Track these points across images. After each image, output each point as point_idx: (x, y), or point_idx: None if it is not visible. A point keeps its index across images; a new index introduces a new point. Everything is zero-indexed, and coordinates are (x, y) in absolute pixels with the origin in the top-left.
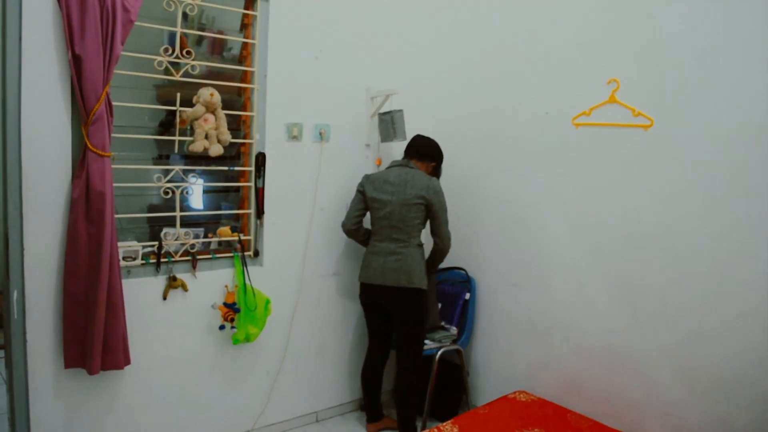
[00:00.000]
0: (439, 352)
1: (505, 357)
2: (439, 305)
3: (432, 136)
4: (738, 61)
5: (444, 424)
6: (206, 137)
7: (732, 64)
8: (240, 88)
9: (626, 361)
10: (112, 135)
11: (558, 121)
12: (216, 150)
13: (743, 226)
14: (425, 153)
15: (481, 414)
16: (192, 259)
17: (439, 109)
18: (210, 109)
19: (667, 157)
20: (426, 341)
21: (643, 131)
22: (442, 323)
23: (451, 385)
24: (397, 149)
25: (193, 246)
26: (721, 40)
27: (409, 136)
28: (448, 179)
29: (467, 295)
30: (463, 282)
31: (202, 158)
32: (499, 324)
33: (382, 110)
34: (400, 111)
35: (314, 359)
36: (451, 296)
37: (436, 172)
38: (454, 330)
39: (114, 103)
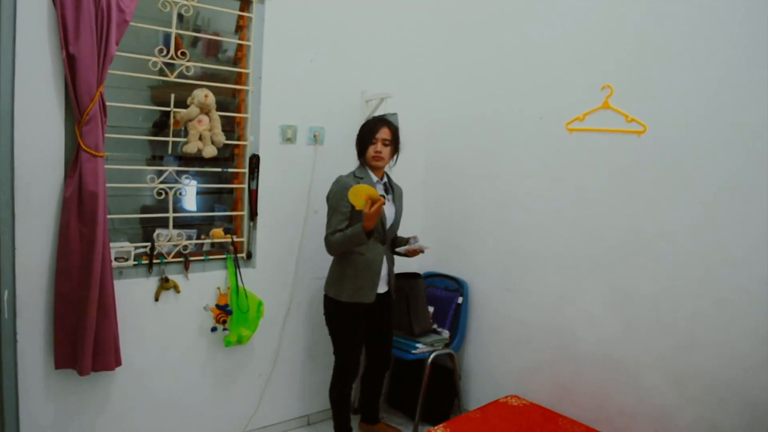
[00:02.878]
0: (432, 356)
1: (497, 361)
2: (432, 309)
3: (425, 141)
4: (731, 67)
5: (436, 428)
6: (200, 138)
7: (725, 71)
8: (234, 89)
9: (618, 367)
10: (106, 135)
11: (552, 126)
12: (210, 151)
13: (737, 233)
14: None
15: (473, 418)
16: (184, 260)
17: (434, 113)
18: (204, 110)
19: (660, 164)
20: (418, 345)
21: (636, 137)
22: (435, 327)
23: (443, 389)
24: None
25: (185, 247)
26: (715, 47)
27: (404, 140)
28: (442, 184)
29: (460, 299)
30: (457, 286)
31: (196, 159)
32: (491, 328)
33: (377, 113)
34: (395, 114)
35: (306, 362)
36: (444, 300)
37: (360, 158)
38: (446, 334)
39: (108, 104)
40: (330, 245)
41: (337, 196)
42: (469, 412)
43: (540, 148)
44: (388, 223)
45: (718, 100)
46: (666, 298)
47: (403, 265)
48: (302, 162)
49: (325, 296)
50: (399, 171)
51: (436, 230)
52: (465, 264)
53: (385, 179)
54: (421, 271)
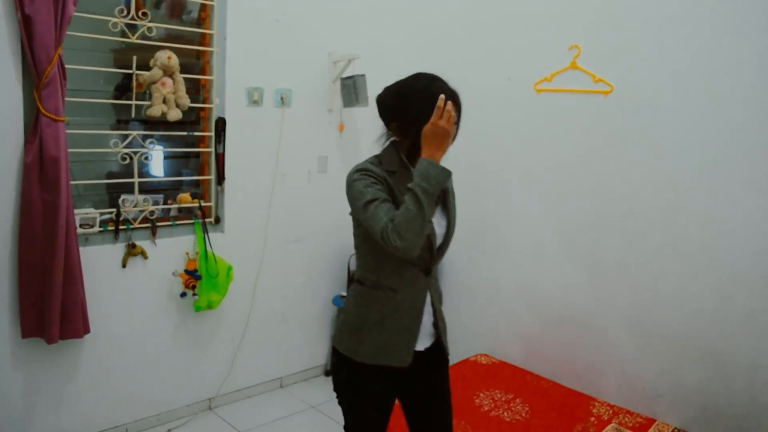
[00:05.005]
0: None
1: (467, 322)
2: None
3: None
4: (697, 28)
5: None
6: (164, 102)
7: (691, 32)
8: (199, 51)
9: (585, 324)
10: (67, 99)
11: (520, 87)
12: (174, 115)
13: (701, 191)
14: (382, 114)
15: None
16: (152, 226)
17: (401, 76)
18: (168, 72)
19: (627, 123)
20: None
21: (603, 97)
22: None
23: None
24: (360, 115)
25: (152, 213)
26: (681, 8)
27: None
28: None
29: None
30: None
31: (161, 123)
32: (462, 290)
33: (345, 75)
34: (363, 76)
35: (278, 325)
36: None
37: (406, 136)
38: None
39: (67, 66)
40: (396, 224)
41: (361, 180)
42: None
43: (509, 110)
44: (438, 240)
45: (685, 61)
46: (632, 256)
47: None
48: (270, 125)
49: (333, 350)
50: (366, 134)
51: None
52: None
53: None
54: None
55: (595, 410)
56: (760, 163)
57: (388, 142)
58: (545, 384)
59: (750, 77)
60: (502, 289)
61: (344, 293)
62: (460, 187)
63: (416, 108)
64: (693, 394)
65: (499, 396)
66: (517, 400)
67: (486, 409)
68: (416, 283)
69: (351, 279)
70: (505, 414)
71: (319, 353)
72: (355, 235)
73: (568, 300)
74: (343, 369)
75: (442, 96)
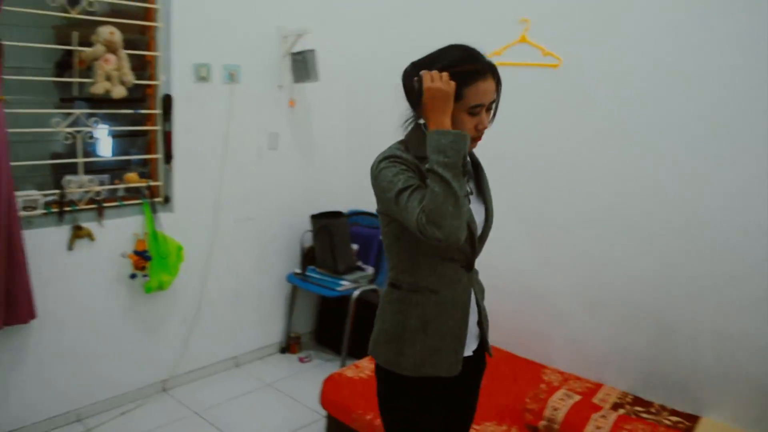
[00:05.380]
0: (356, 293)
1: None
2: (356, 246)
3: (345, 78)
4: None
5: (361, 360)
6: (108, 79)
7: (638, 4)
8: (143, 26)
9: (536, 294)
10: (5, 77)
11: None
12: (119, 92)
13: (646, 161)
14: (407, 92)
15: None
16: (98, 207)
17: (354, 50)
18: (111, 48)
19: (574, 96)
20: (342, 282)
21: (552, 70)
22: (359, 264)
23: (369, 324)
24: (311, 90)
25: (98, 194)
26: None
27: (325, 78)
28: (364, 123)
29: None
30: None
31: (106, 101)
32: None
33: (295, 50)
34: (313, 51)
35: (231, 304)
36: (367, 237)
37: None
38: (370, 270)
39: (5, 43)
40: (428, 213)
41: (389, 168)
42: None
43: None
44: (478, 230)
45: (632, 34)
46: (580, 227)
47: (325, 203)
48: (219, 102)
49: (377, 367)
50: (318, 110)
51: (359, 167)
52: None
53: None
54: (345, 208)
55: (546, 377)
56: (702, 130)
57: (412, 126)
58: (497, 354)
59: (696, 49)
60: None
61: (298, 270)
62: None
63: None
64: (639, 360)
65: None
66: None
67: None
68: (458, 282)
69: (305, 257)
70: None
71: (275, 331)
72: (385, 234)
73: (518, 270)
74: (385, 383)
75: (426, 72)
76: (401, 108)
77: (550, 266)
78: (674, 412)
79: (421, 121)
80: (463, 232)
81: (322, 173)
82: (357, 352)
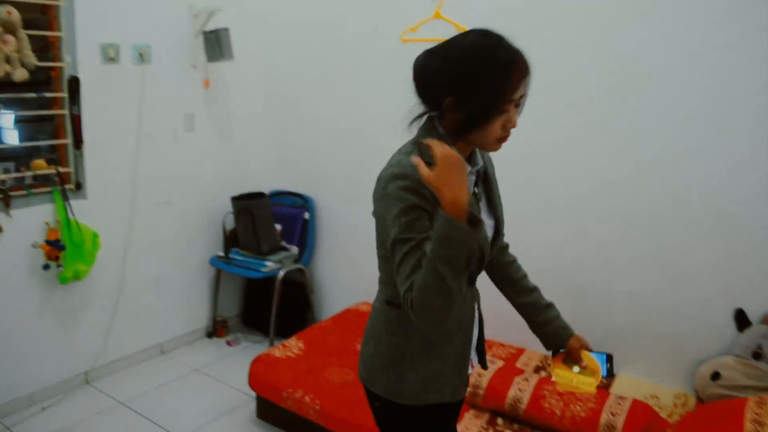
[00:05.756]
0: (282, 273)
1: (347, 272)
2: (279, 227)
3: (263, 56)
4: None
5: (289, 339)
6: (8, 61)
7: None
8: (43, 5)
9: None
10: None
11: (386, 37)
12: (20, 75)
13: (560, 130)
14: (427, 86)
15: (325, 327)
16: (4, 196)
17: (267, 27)
18: (9, 29)
19: None
20: (267, 262)
21: None
22: (283, 244)
23: (295, 303)
24: (227, 69)
25: (3, 182)
26: None
27: (240, 54)
28: (283, 101)
29: (306, 215)
30: (302, 203)
31: (7, 85)
32: (340, 241)
33: (207, 29)
34: (226, 29)
35: (153, 291)
36: (291, 217)
37: (463, 119)
38: (295, 250)
39: None
40: (413, 300)
41: (400, 199)
42: (321, 322)
43: (376, 60)
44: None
45: (547, 7)
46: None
47: (245, 185)
48: (129, 83)
49: (368, 392)
50: (235, 89)
51: (279, 147)
52: (309, 180)
53: (480, 161)
54: (266, 189)
55: None
56: (617, 101)
57: (425, 122)
58: None
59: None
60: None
61: (221, 253)
62: (330, 137)
63: (486, 75)
64: None
65: None
66: None
67: None
68: (463, 298)
69: (228, 239)
70: None
71: (200, 316)
72: (381, 244)
73: None
74: (383, 413)
75: (433, 142)
76: (317, 85)
77: None
78: None
79: (430, 114)
80: (446, 322)
81: (241, 154)
82: (284, 332)
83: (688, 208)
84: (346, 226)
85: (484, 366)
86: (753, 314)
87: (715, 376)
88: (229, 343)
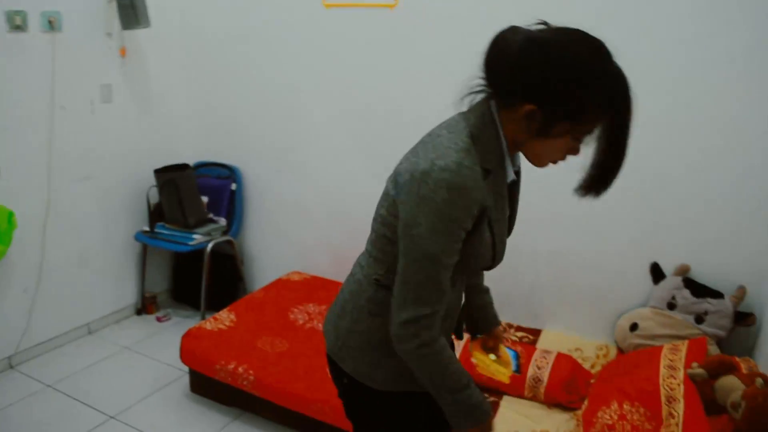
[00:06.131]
0: (210, 245)
1: (278, 242)
2: (205, 199)
3: (178, 23)
4: None
5: (220, 312)
6: None
7: None
8: None
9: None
10: None
11: (309, 3)
12: None
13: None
14: (506, 71)
15: (257, 298)
16: None
17: None
18: None
19: (412, 36)
20: (195, 235)
21: (389, 11)
22: (210, 216)
23: (226, 276)
24: (144, 37)
25: None
26: None
27: (157, 19)
28: (206, 71)
29: (234, 186)
30: (229, 173)
31: None
32: (269, 211)
33: None
34: None
35: (77, 269)
36: (217, 188)
37: (532, 130)
38: (223, 222)
39: None
40: (414, 359)
41: (443, 210)
42: (252, 293)
43: (299, 26)
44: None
45: None
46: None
47: (169, 157)
48: (39, 53)
49: (335, 367)
50: (154, 58)
51: (203, 117)
52: (236, 150)
53: (519, 161)
54: (190, 160)
55: None
56: None
57: (482, 110)
58: (327, 283)
59: None
60: (308, 208)
61: (146, 228)
62: (256, 106)
63: (592, 108)
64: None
65: (312, 309)
66: None
67: (301, 322)
68: (459, 286)
69: (153, 213)
70: (320, 324)
71: (128, 293)
72: (385, 223)
73: (369, 210)
74: (350, 392)
75: None
76: (241, 53)
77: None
78: (519, 328)
79: (493, 106)
80: None
81: (163, 125)
82: (216, 305)
83: None
84: (275, 196)
85: (459, 336)
86: (667, 267)
87: (634, 327)
88: (159, 320)
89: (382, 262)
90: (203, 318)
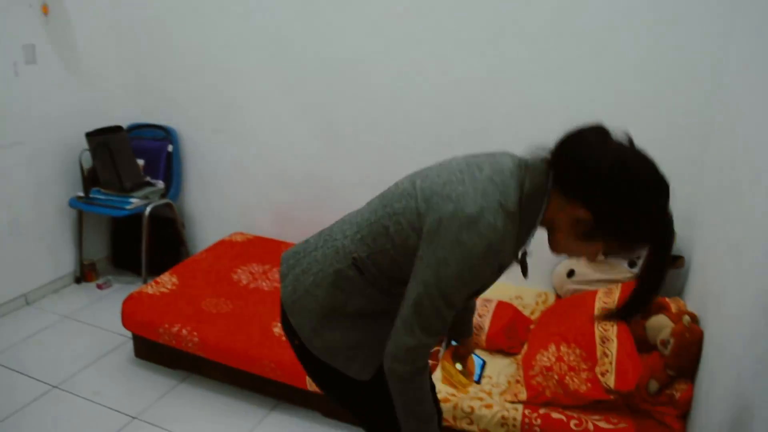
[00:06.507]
0: (148, 209)
1: (219, 203)
2: (141, 162)
3: None
4: None
5: (161, 275)
6: None
7: None
8: None
9: (328, 187)
10: None
11: None
12: None
13: (410, 50)
14: (585, 181)
15: (199, 260)
16: None
17: None
18: None
19: None
20: (132, 199)
21: None
22: (147, 179)
23: (167, 240)
24: None
25: None
26: None
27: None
28: (139, 30)
29: (170, 148)
30: (165, 135)
31: None
32: (208, 172)
33: None
34: None
35: (9, 239)
36: (153, 150)
37: (574, 228)
38: (161, 184)
39: None
40: (398, 394)
41: (477, 265)
42: (194, 255)
43: None
44: None
45: None
46: (362, 119)
47: (101, 119)
48: None
49: (288, 323)
50: (79, 15)
51: (135, 77)
52: (171, 111)
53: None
54: (124, 122)
55: None
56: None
57: (537, 166)
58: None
59: None
60: (248, 168)
61: (81, 194)
62: (189, 65)
63: (645, 232)
64: None
65: (256, 269)
66: (274, 269)
67: (245, 282)
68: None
69: (87, 178)
70: (264, 284)
71: (66, 261)
72: (397, 223)
73: (309, 167)
74: (301, 353)
75: None
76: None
77: (338, 160)
78: None
79: (550, 181)
80: None
81: (92, 87)
82: (159, 270)
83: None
84: (214, 156)
85: None
86: None
87: (570, 273)
88: (99, 287)
89: (367, 246)
90: (145, 283)
